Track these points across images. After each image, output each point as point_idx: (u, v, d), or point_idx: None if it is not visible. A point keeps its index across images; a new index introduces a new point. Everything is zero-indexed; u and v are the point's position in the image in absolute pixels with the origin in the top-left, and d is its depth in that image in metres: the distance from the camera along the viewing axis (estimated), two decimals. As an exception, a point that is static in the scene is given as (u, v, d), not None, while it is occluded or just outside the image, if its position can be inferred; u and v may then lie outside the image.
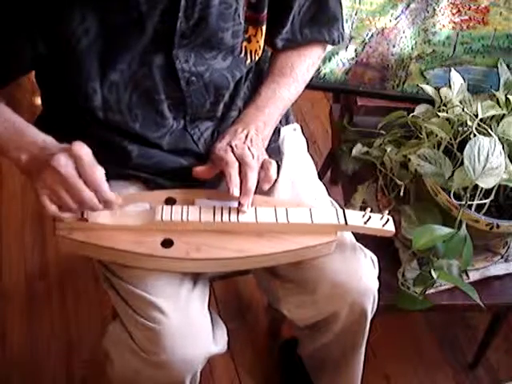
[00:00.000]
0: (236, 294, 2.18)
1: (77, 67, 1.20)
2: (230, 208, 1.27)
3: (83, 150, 1.10)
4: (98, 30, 1.16)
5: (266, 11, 1.33)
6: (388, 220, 1.31)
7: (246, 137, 1.33)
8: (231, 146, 1.30)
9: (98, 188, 1.11)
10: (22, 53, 1.20)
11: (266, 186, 1.29)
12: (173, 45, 1.23)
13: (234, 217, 1.26)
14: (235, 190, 1.24)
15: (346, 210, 1.31)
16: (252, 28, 1.34)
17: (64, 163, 1.09)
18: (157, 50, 1.23)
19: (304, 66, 1.47)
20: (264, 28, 1.36)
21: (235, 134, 1.33)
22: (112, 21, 1.16)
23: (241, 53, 1.35)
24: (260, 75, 1.49)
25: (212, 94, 1.34)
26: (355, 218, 1.31)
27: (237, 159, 1.28)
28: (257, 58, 1.40)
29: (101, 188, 1.11)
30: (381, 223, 1.31)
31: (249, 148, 1.30)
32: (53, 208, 1.12)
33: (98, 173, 1.11)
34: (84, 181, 1.10)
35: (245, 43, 1.35)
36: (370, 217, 1.30)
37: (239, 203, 1.26)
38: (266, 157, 1.33)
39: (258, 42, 1.37)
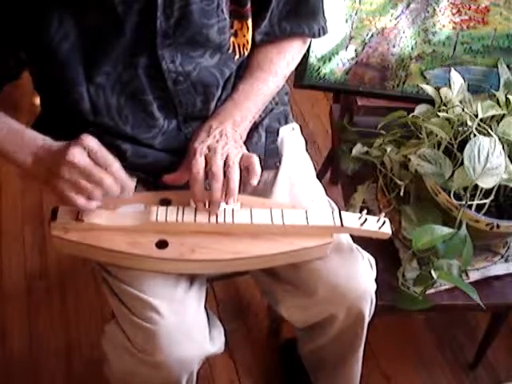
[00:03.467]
0: (236, 295, 2.18)
1: (61, 72, 1.20)
2: (224, 209, 1.27)
3: (92, 140, 1.14)
4: (78, 34, 1.16)
5: (249, 4, 1.30)
6: (384, 222, 1.31)
7: (221, 134, 1.31)
8: (206, 147, 1.28)
9: (116, 172, 1.15)
10: (6, 60, 1.21)
11: (254, 181, 1.26)
12: (156, 45, 1.22)
13: (229, 218, 1.26)
14: (199, 205, 1.26)
15: (342, 212, 1.31)
16: (237, 22, 1.32)
17: (80, 156, 1.12)
18: (140, 51, 1.22)
19: (284, 61, 1.44)
20: (250, 22, 1.33)
21: (209, 131, 1.31)
22: (90, 23, 1.16)
23: (229, 49, 1.33)
24: None
25: (201, 92, 1.33)
26: (351, 219, 1.30)
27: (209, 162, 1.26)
28: (246, 53, 1.38)
29: (118, 172, 1.15)
30: (377, 225, 1.30)
31: (222, 146, 1.28)
32: (82, 200, 1.15)
33: (112, 159, 1.15)
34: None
35: (232, 38, 1.33)
36: (366, 219, 1.30)
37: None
38: (245, 151, 1.30)
39: (244, 36, 1.34)
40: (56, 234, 1.23)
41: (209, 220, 1.25)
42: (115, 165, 1.15)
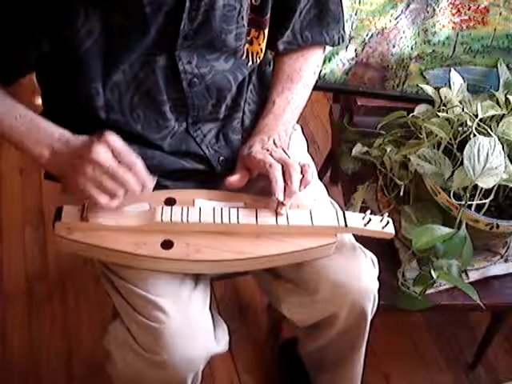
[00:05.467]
0: (236, 294, 2.18)
1: (80, 68, 1.20)
2: (229, 209, 1.27)
3: (115, 138, 1.14)
4: (102, 32, 1.16)
5: (268, 15, 1.33)
6: (388, 222, 1.31)
7: (275, 144, 1.33)
8: (268, 150, 1.30)
9: (138, 172, 1.15)
10: (28, 51, 1.21)
11: (302, 189, 1.29)
12: (175, 46, 1.23)
13: (234, 218, 1.26)
14: (280, 195, 1.25)
15: (346, 212, 1.31)
16: (254, 30, 1.34)
17: (104, 154, 1.12)
18: (160, 51, 1.23)
19: (311, 69, 1.47)
20: (266, 31, 1.36)
21: (264, 142, 1.33)
22: (116, 23, 1.16)
23: (243, 55, 1.35)
24: (263, 78, 1.50)
25: (214, 95, 1.35)
26: (355, 220, 1.30)
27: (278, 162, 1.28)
28: (258, 61, 1.40)
29: (140, 172, 1.16)
30: (380, 225, 1.31)
31: (284, 152, 1.31)
32: (104, 198, 1.16)
33: (135, 157, 1.15)
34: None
35: (247, 45, 1.35)
36: (369, 219, 1.30)
37: (280, 204, 1.27)
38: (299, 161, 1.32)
39: (259, 44, 1.37)
40: (60, 234, 1.23)
41: (214, 220, 1.25)
42: (139, 164, 1.15)
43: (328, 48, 1.68)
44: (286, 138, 1.38)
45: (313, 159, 1.60)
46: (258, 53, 1.38)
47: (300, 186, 1.28)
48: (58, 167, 1.18)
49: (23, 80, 1.34)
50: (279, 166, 1.26)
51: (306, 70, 1.46)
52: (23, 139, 1.18)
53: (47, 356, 2.00)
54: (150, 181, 1.17)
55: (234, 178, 1.31)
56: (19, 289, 2.16)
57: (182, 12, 1.18)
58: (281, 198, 1.24)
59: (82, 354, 2.01)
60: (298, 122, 1.62)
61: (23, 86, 2.04)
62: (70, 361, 2.00)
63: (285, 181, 1.26)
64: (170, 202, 1.30)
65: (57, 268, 2.23)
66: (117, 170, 1.13)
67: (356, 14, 1.66)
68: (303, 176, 1.28)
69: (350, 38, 1.69)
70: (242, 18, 1.28)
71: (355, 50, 1.71)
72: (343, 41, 1.50)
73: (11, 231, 2.33)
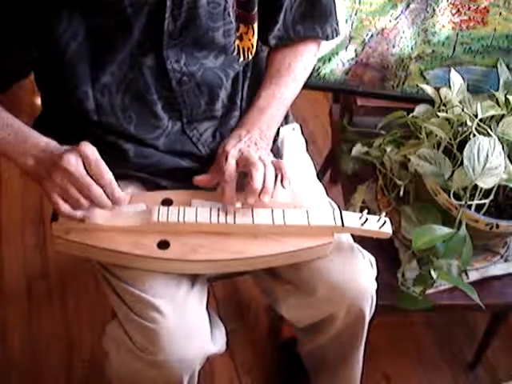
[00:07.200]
0: (236, 294, 2.18)
1: (68, 72, 1.21)
2: (226, 209, 1.27)
3: (90, 149, 1.14)
4: (86, 34, 1.17)
5: (255, 9, 1.32)
6: (385, 222, 1.31)
7: (251, 141, 1.33)
8: (238, 151, 1.30)
9: (107, 185, 1.15)
10: (18, 58, 1.22)
11: (286, 184, 1.29)
12: (162, 45, 1.23)
13: (230, 218, 1.26)
14: (228, 207, 1.27)
15: (343, 212, 1.31)
16: (243, 26, 1.34)
17: (74, 162, 1.12)
18: (146, 51, 1.23)
19: (301, 64, 1.46)
20: (255, 26, 1.35)
21: (239, 139, 1.33)
22: (99, 24, 1.17)
23: (233, 51, 1.35)
24: (260, 75, 1.49)
25: (206, 93, 1.34)
26: (352, 219, 1.30)
27: (241, 163, 1.28)
28: (250, 57, 1.40)
29: (110, 185, 1.15)
30: (378, 225, 1.31)
31: (255, 151, 1.30)
32: (66, 207, 1.16)
33: (106, 170, 1.15)
34: (93, 179, 1.13)
35: (237, 41, 1.34)
36: (366, 219, 1.30)
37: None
38: (273, 158, 1.32)
39: (250, 39, 1.36)
40: (57, 234, 1.24)
41: (210, 220, 1.25)
42: (107, 176, 1.15)
43: (328, 47, 1.68)
44: (267, 132, 1.37)
45: (313, 159, 1.60)
46: (249, 48, 1.38)
47: (283, 182, 1.28)
48: (38, 175, 1.18)
49: (23, 80, 1.34)
50: (232, 177, 1.27)
51: (296, 64, 1.45)
52: (10, 149, 1.19)
53: (47, 355, 2.00)
54: (123, 195, 1.17)
55: (201, 178, 1.32)
56: (19, 289, 2.16)
57: (164, 12, 1.18)
58: (229, 209, 1.27)
59: (81, 353, 2.02)
60: (297, 122, 1.63)
61: (23, 87, 2.05)
62: (69, 360, 2.00)
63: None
64: (167, 202, 1.30)
65: (57, 268, 2.23)
66: (82, 178, 1.13)
67: (356, 14, 1.66)
68: (282, 174, 1.28)
69: (350, 38, 1.69)
70: (229, 14, 1.27)
71: (355, 50, 1.71)
72: (337, 35, 1.49)
73: (11, 231, 2.33)
